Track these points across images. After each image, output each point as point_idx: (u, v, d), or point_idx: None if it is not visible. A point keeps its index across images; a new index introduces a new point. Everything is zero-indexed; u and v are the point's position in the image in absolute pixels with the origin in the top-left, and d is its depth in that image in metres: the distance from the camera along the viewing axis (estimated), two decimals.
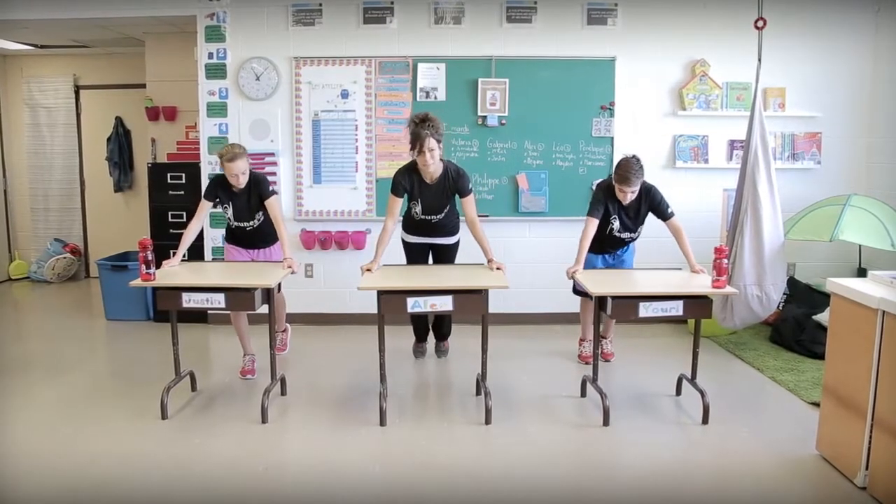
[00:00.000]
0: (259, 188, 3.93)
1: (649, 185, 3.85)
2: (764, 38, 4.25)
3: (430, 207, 3.91)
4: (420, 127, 3.66)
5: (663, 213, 3.84)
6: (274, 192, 3.98)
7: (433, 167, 3.75)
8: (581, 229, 3.86)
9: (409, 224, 4.06)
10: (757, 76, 4.29)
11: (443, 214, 3.96)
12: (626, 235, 3.97)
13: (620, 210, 3.88)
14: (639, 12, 4.92)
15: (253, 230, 4.04)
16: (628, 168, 3.68)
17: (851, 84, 5.00)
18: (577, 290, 4.17)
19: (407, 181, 3.83)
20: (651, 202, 3.84)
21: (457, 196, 3.90)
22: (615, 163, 4.76)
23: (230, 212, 4.00)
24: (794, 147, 5.00)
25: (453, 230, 4.09)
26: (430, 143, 3.64)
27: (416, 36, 4.95)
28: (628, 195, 3.76)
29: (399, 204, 3.86)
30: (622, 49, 4.93)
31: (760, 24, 4.20)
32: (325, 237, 5.10)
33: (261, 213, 3.99)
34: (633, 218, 3.91)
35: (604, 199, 3.84)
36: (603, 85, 4.93)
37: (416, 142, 3.66)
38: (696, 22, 4.93)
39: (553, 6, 4.91)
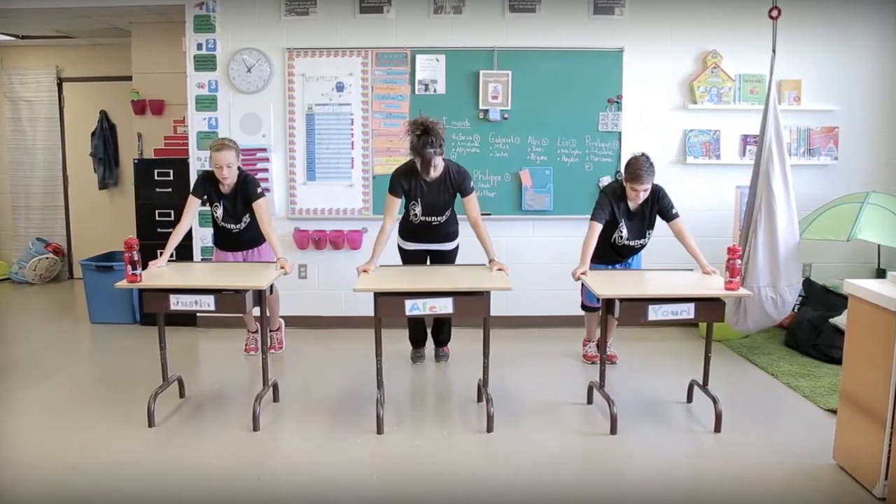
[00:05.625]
0: (246, 190, 3.94)
1: (657, 186, 3.80)
2: (779, 28, 4.19)
3: (431, 207, 3.83)
4: (422, 144, 3.54)
5: (668, 214, 3.79)
6: (262, 195, 3.96)
7: (435, 174, 3.71)
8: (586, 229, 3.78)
9: (407, 230, 3.98)
10: (771, 68, 4.23)
11: (444, 217, 3.88)
12: (635, 242, 3.90)
13: (627, 215, 3.80)
14: (648, 1, 4.84)
15: (239, 232, 4.07)
16: (639, 165, 3.64)
17: (870, 76, 4.94)
18: (586, 307, 4.16)
19: (406, 182, 3.78)
20: (660, 204, 3.80)
21: (458, 197, 3.84)
22: (622, 159, 4.74)
23: (219, 211, 4.01)
24: (810, 142, 4.95)
25: (453, 235, 4.02)
26: (436, 161, 3.62)
27: (415, 26, 4.87)
28: (640, 194, 3.70)
29: (398, 204, 3.83)
30: (630, 40, 4.86)
31: (775, 13, 4.15)
32: (320, 236, 5.02)
33: (247, 216, 4.02)
34: (642, 222, 3.85)
35: (609, 204, 3.77)
36: (610, 77, 4.85)
37: (420, 160, 3.60)
38: (708, 11, 4.87)
39: None
